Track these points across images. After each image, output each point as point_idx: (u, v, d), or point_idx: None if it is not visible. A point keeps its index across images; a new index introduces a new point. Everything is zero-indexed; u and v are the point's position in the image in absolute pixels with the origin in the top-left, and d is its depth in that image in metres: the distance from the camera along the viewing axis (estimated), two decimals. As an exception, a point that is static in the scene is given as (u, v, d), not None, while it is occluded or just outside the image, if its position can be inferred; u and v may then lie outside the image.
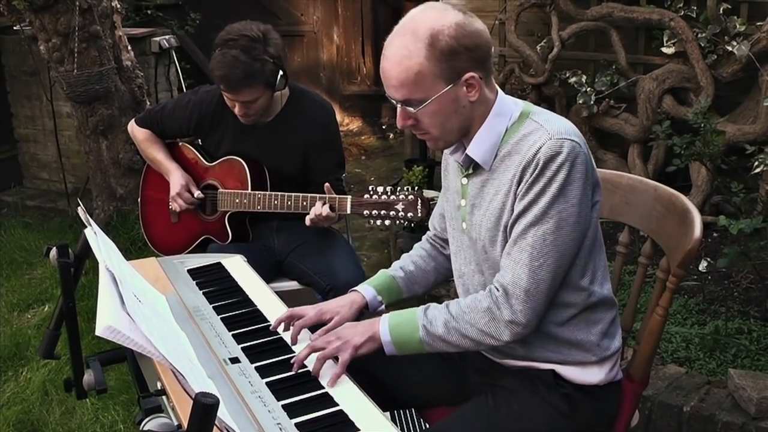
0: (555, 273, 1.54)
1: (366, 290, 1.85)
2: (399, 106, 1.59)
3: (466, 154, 1.63)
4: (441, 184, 1.85)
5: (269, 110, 2.62)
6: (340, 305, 1.81)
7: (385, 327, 1.63)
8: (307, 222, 2.44)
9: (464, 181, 1.69)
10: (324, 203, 2.39)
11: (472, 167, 1.66)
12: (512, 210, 1.56)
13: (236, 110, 2.54)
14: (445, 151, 1.75)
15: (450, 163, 1.77)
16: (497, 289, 1.56)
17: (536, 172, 1.51)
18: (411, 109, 1.57)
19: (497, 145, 1.60)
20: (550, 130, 1.53)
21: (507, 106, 1.62)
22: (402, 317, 1.64)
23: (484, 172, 1.63)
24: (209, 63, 2.50)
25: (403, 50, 1.52)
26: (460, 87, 1.55)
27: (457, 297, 1.80)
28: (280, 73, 2.49)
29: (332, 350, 1.59)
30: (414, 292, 1.92)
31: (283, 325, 1.76)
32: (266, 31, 2.50)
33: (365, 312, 1.85)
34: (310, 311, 1.78)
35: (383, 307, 1.86)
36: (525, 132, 1.58)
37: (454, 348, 1.61)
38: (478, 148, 1.61)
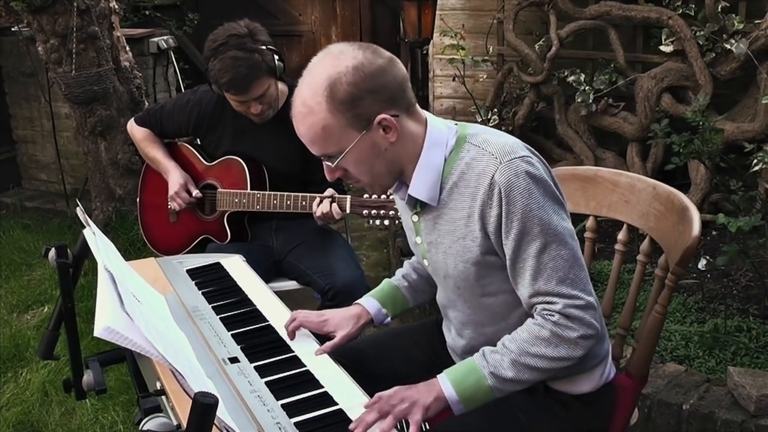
0: (584, 269, 1.49)
1: (370, 303, 1.82)
2: (323, 160, 1.52)
3: (410, 195, 1.56)
4: None
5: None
6: (344, 318, 1.79)
7: (448, 385, 1.49)
8: (317, 213, 2.42)
9: (415, 218, 1.62)
10: (333, 201, 2.38)
11: (419, 205, 1.59)
12: (483, 245, 1.50)
13: (251, 111, 2.53)
14: None
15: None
16: (552, 315, 1.46)
17: (505, 201, 1.44)
18: (330, 163, 1.50)
19: (439, 179, 1.53)
20: (495, 153, 1.46)
21: (441, 134, 1.53)
22: (461, 371, 1.51)
23: (434, 209, 1.56)
24: (207, 69, 2.49)
25: (305, 108, 1.45)
26: (375, 131, 1.46)
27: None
28: (276, 57, 2.49)
29: (400, 412, 1.45)
30: (420, 301, 1.90)
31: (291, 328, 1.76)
32: (247, 24, 2.51)
33: (371, 326, 1.83)
34: (313, 317, 1.78)
35: (389, 319, 1.84)
36: (468, 159, 1.50)
37: (523, 386, 1.50)
38: (420, 186, 1.53)
